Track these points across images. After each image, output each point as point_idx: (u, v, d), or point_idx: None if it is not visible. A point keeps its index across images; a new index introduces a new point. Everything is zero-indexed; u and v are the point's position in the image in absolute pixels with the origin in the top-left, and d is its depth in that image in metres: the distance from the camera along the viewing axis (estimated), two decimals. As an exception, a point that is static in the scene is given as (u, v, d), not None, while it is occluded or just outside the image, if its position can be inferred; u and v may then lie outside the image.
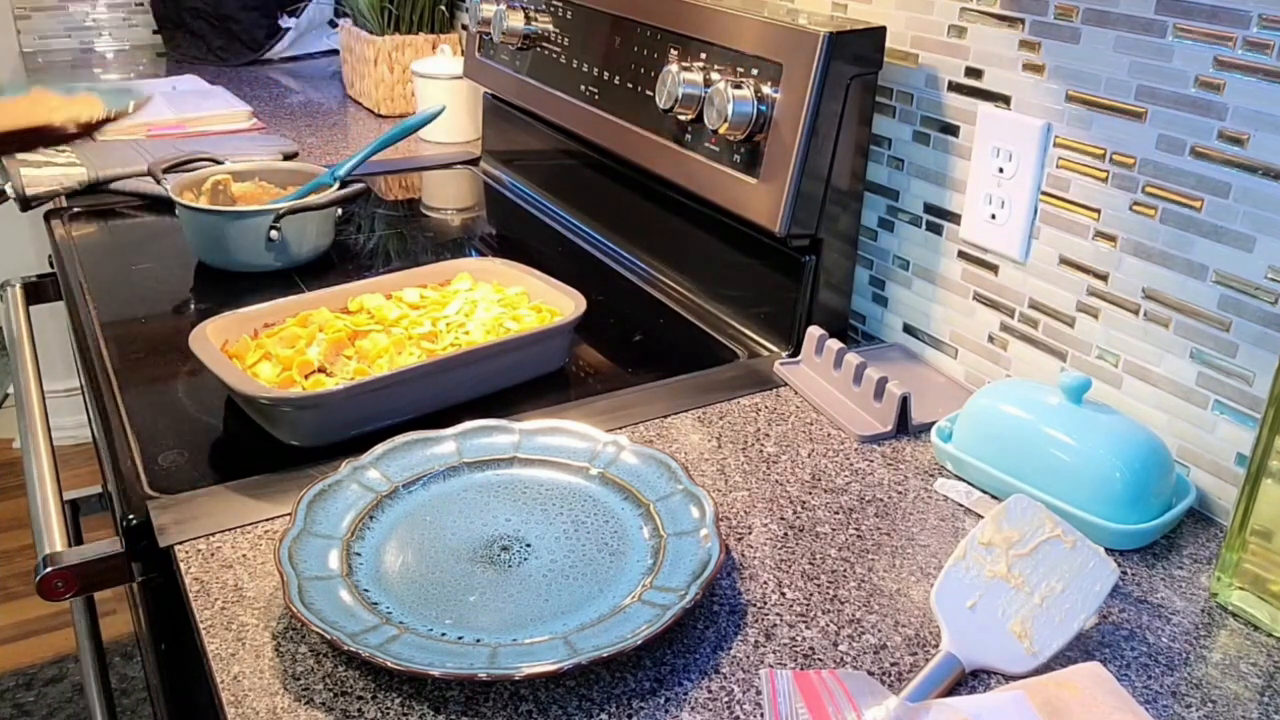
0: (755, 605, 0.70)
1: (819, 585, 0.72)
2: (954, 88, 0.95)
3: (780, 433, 0.91)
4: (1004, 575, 0.67)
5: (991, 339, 0.96)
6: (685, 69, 1.06)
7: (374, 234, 1.38)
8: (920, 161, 1.00)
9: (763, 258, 1.07)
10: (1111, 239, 0.84)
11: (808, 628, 0.68)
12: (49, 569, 0.77)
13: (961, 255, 0.98)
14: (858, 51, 0.96)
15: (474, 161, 1.67)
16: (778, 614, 0.69)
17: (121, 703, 1.90)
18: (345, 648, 0.61)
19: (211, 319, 0.93)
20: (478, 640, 0.64)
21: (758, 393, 0.97)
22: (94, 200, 1.41)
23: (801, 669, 0.64)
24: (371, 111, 1.90)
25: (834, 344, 0.96)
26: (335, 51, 2.22)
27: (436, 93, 1.71)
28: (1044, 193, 0.89)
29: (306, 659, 0.64)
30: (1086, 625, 0.66)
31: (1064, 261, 0.88)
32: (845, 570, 0.74)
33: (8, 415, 2.58)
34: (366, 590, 0.68)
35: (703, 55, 1.07)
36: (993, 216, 0.93)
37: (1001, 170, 0.91)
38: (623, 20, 1.20)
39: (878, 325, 1.09)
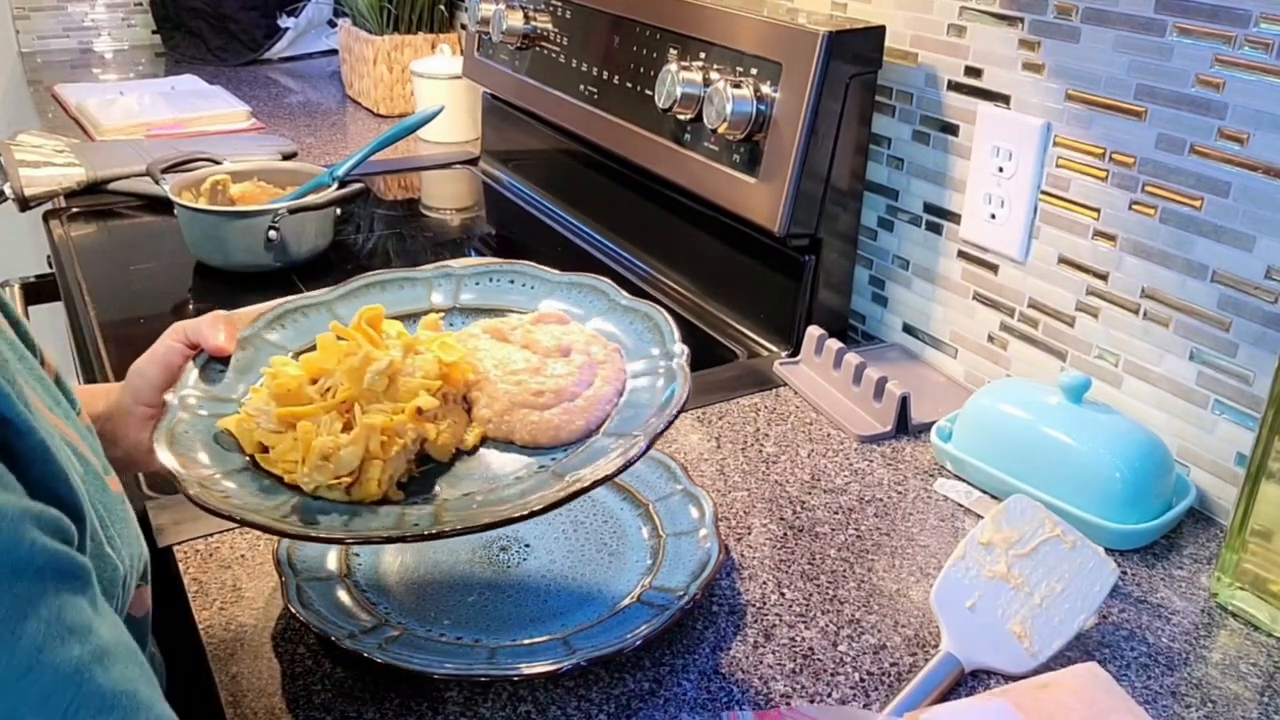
0: (754, 605, 0.70)
1: (818, 585, 0.72)
2: (953, 87, 0.95)
3: (780, 433, 0.91)
4: (1004, 575, 0.67)
5: (991, 339, 0.96)
6: (685, 68, 1.06)
7: (373, 234, 1.38)
8: (920, 161, 1.00)
9: (762, 258, 1.07)
10: (1111, 238, 0.84)
11: (807, 628, 0.68)
12: (47, 569, 0.76)
13: (961, 255, 0.97)
14: (857, 51, 0.96)
15: (473, 161, 1.67)
16: (777, 614, 0.69)
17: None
18: (344, 647, 0.61)
19: (210, 319, 0.93)
20: (476, 640, 0.64)
21: (757, 393, 0.97)
22: (92, 200, 1.41)
23: (800, 669, 0.64)
24: (370, 111, 1.90)
25: (834, 344, 0.96)
26: (334, 51, 2.22)
27: (435, 92, 1.71)
28: (1044, 192, 0.89)
29: (305, 660, 0.64)
30: (1086, 625, 0.66)
31: (1064, 261, 0.88)
32: (845, 570, 0.74)
33: (7, 415, 2.57)
34: (365, 591, 0.68)
35: (702, 55, 1.07)
36: (992, 216, 0.92)
37: (1001, 170, 0.91)
38: (622, 20, 1.20)
39: (877, 325, 1.09)
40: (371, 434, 0.59)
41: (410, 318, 0.71)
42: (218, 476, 0.59)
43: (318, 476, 0.58)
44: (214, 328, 0.68)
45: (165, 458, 0.58)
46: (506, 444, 0.63)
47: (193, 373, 0.66)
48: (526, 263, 0.74)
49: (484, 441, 0.63)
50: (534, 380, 0.63)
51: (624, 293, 0.70)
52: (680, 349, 0.64)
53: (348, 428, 0.60)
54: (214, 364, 0.67)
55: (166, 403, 0.63)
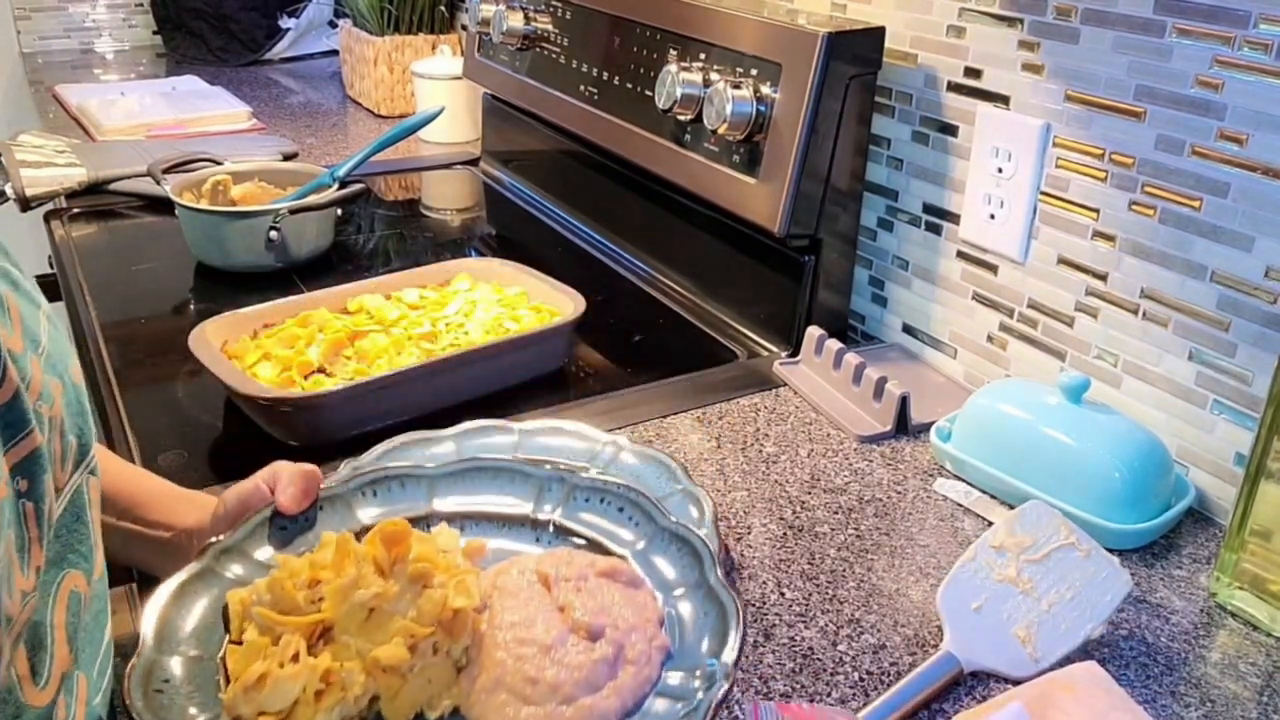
0: (755, 605, 0.70)
1: (818, 585, 0.72)
2: (953, 88, 0.95)
3: (779, 433, 0.91)
4: (1013, 579, 0.67)
5: (991, 339, 0.96)
6: (685, 69, 1.06)
7: (373, 234, 1.38)
8: (919, 161, 1.00)
9: (762, 258, 1.07)
10: (1110, 239, 0.84)
11: (807, 628, 0.68)
12: (48, 569, 0.76)
13: (961, 255, 0.98)
14: (857, 51, 0.96)
15: (474, 162, 1.67)
16: (777, 614, 0.69)
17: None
18: None
19: (211, 319, 0.93)
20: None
21: (757, 393, 0.97)
22: (94, 201, 1.41)
23: (800, 669, 0.64)
24: (371, 112, 1.90)
25: (833, 344, 0.96)
26: (335, 52, 2.22)
27: (436, 93, 1.71)
28: (1043, 192, 0.89)
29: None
30: (1094, 634, 0.66)
31: (1063, 261, 0.88)
32: (844, 570, 0.74)
33: (8, 416, 2.56)
34: None
35: (702, 55, 1.07)
36: (992, 216, 0.93)
37: (1000, 170, 0.91)
38: (622, 20, 1.20)
39: (877, 325, 1.09)
40: (312, 676, 0.52)
41: (503, 521, 0.66)
42: (175, 656, 0.54)
43: (241, 705, 0.52)
44: (289, 481, 0.64)
45: (146, 613, 0.54)
46: None
47: (251, 524, 0.63)
48: (647, 495, 0.67)
49: (454, 713, 0.56)
50: (535, 661, 0.55)
51: (719, 570, 0.61)
52: (722, 670, 0.54)
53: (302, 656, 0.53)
54: (283, 518, 0.63)
55: (207, 548, 0.60)
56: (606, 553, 0.65)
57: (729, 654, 0.55)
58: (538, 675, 0.55)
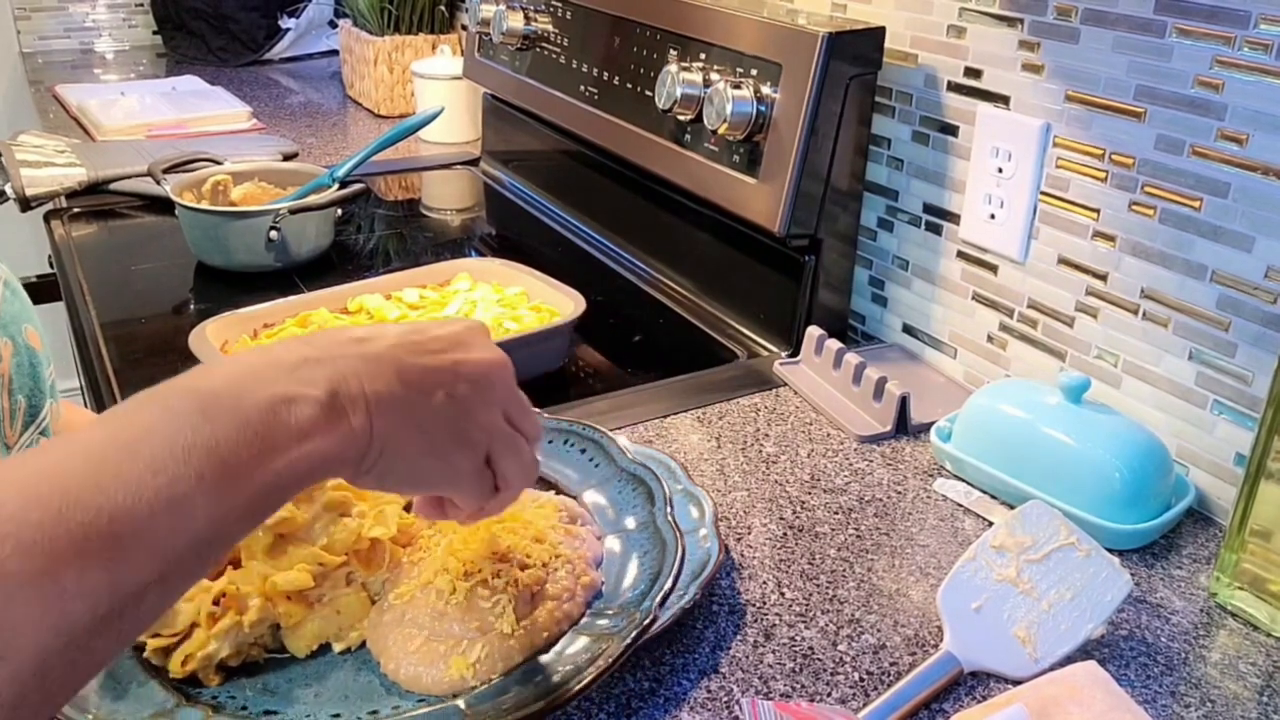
0: (754, 605, 0.70)
1: (818, 585, 0.72)
2: (953, 88, 0.95)
3: (780, 433, 0.91)
4: (1013, 580, 0.67)
5: (991, 339, 0.96)
6: (685, 69, 1.06)
7: (373, 234, 1.38)
8: (919, 161, 1.00)
9: (762, 258, 1.07)
10: (1110, 239, 0.84)
11: (807, 628, 0.68)
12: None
13: (961, 255, 0.98)
14: (857, 51, 0.96)
15: (474, 162, 1.67)
16: (777, 614, 0.69)
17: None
18: None
19: (211, 319, 0.93)
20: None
21: (757, 393, 0.97)
22: (94, 201, 1.41)
23: (800, 669, 0.64)
24: (371, 112, 1.90)
25: (833, 344, 0.96)
26: (335, 52, 2.22)
27: (436, 93, 1.71)
28: (1043, 193, 0.89)
29: None
30: (1094, 635, 0.66)
31: (1063, 261, 0.88)
32: (844, 570, 0.74)
33: (8, 416, 2.56)
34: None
35: (702, 55, 1.07)
36: (992, 216, 0.93)
37: (1000, 170, 0.91)
38: (622, 20, 1.20)
39: (877, 325, 1.09)
40: (205, 598, 0.51)
41: None
42: None
43: None
44: None
45: None
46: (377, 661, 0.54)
47: None
48: (610, 435, 0.67)
49: (364, 646, 0.55)
50: (447, 595, 0.54)
51: (669, 509, 0.62)
52: (644, 611, 0.54)
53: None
54: None
55: None
56: (560, 491, 0.65)
57: (658, 593, 0.55)
58: (445, 609, 0.54)
